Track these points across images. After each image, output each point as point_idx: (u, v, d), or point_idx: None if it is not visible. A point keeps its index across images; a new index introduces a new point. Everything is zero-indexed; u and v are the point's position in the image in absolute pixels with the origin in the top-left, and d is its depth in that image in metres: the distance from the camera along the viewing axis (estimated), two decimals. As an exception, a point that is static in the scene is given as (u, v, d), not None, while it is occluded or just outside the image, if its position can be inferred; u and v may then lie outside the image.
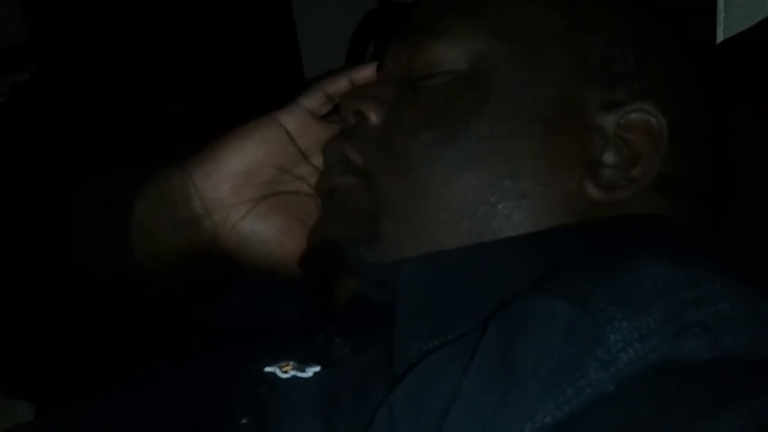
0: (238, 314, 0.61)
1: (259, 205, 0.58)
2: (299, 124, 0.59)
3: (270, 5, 1.16)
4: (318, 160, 0.59)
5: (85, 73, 1.14)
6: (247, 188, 0.57)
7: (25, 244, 0.62)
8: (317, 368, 0.45)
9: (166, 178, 0.58)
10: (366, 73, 0.59)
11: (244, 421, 0.44)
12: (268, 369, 0.45)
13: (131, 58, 1.15)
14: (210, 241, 0.58)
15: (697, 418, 0.31)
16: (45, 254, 0.61)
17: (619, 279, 0.37)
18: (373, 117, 0.54)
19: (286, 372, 0.44)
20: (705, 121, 0.54)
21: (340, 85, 0.59)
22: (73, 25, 1.20)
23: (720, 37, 0.73)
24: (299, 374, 0.44)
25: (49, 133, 1.07)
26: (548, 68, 0.51)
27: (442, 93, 0.51)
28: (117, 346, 0.59)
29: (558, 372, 0.34)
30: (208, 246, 0.58)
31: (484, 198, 0.49)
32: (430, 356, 0.38)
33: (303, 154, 0.59)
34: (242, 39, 1.16)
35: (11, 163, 1.04)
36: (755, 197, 0.63)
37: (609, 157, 0.50)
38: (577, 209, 0.49)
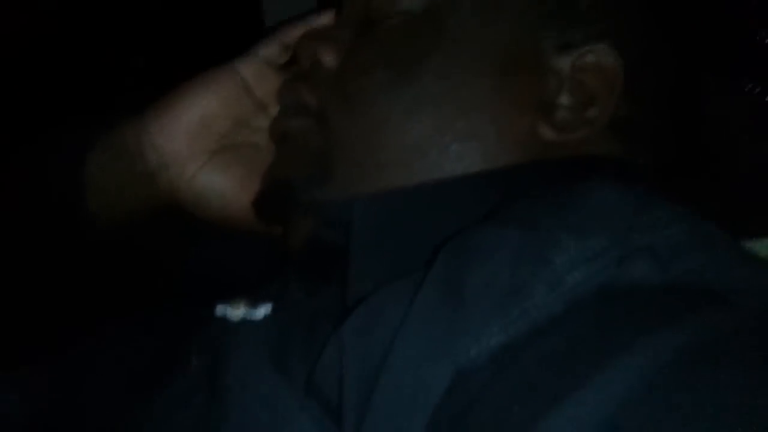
0: (199, 268, 0.61)
1: (216, 157, 0.57)
2: (256, 73, 0.58)
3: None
4: (275, 112, 0.58)
5: (40, 70, 1.12)
6: (204, 140, 0.57)
7: None
8: (268, 308, 0.44)
9: (121, 131, 0.57)
10: (323, 20, 0.58)
11: (194, 362, 0.43)
12: (219, 311, 0.45)
13: (88, 54, 1.13)
14: (167, 195, 0.57)
15: (639, 335, 0.31)
16: (5, 212, 0.60)
17: (566, 204, 0.37)
18: (328, 59, 0.53)
19: (237, 309, 0.44)
20: (668, 64, 0.54)
21: (297, 33, 0.58)
22: (28, 23, 1.18)
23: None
24: (250, 317, 0.44)
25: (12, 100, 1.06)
26: (504, 10, 0.50)
27: (398, 33, 0.51)
28: (75, 302, 0.59)
29: (504, 295, 0.34)
30: (165, 200, 0.57)
31: (437, 138, 0.48)
32: (379, 289, 0.38)
33: (260, 104, 0.58)
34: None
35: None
36: (719, 144, 0.63)
37: (563, 99, 0.50)
38: (531, 150, 0.49)
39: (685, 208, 0.39)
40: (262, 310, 0.44)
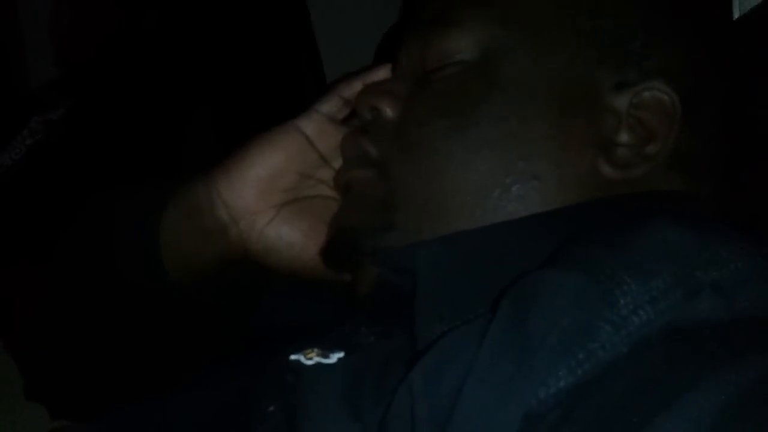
0: (271, 319, 0.62)
1: (284, 211, 0.59)
2: (318, 129, 0.60)
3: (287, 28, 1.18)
4: (338, 164, 0.60)
5: (116, 104, 1.17)
6: (271, 194, 0.59)
7: (68, 268, 0.64)
8: (341, 354, 0.45)
9: (192, 189, 0.60)
10: (380, 73, 0.60)
11: (271, 408, 0.45)
12: (293, 357, 0.46)
13: (160, 86, 1.18)
14: (238, 249, 0.59)
15: (704, 372, 0.31)
16: (84, 274, 0.63)
17: (628, 245, 0.38)
18: (388, 111, 0.55)
19: (310, 359, 0.45)
20: (720, 96, 0.54)
21: (355, 88, 0.60)
22: (104, 57, 1.24)
23: (736, 13, 0.72)
24: (323, 360, 0.45)
25: (84, 164, 1.10)
26: (558, 52, 0.51)
27: (455, 82, 0.52)
28: (152, 355, 0.61)
29: (569, 337, 0.34)
30: (237, 254, 0.59)
31: (498, 180, 0.49)
32: (447, 334, 0.39)
33: (323, 158, 0.60)
34: (262, 54, 1.18)
35: (48, 196, 1.07)
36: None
37: (623, 137, 0.50)
38: (592, 188, 0.49)
39: (747, 241, 0.39)
40: (335, 357, 0.45)
